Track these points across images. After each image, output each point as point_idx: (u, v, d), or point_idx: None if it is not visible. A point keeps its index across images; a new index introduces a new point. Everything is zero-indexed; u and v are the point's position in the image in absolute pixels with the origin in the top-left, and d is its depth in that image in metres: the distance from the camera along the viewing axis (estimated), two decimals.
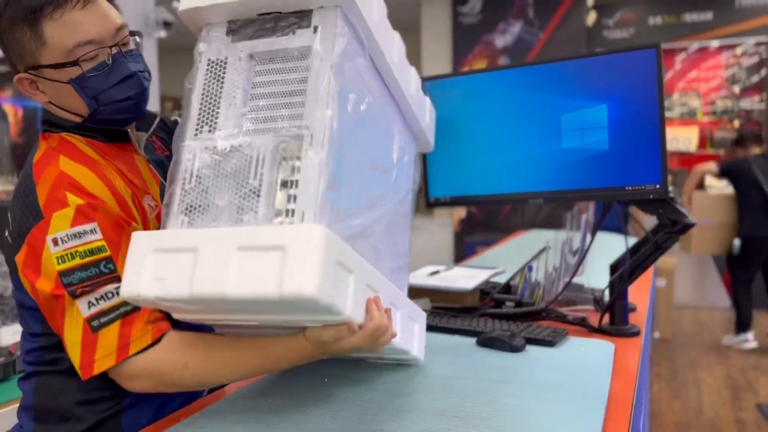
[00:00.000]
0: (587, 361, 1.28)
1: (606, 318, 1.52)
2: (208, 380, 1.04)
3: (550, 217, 5.63)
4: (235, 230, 0.83)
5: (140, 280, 0.85)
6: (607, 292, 1.68)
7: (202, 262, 0.82)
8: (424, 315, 1.25)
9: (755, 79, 5.81)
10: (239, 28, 0.96)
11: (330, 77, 0.89)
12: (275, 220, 0.84)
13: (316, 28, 0.92)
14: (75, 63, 1.02)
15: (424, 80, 1.50)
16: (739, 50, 5.83)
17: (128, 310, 0.97)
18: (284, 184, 0.86)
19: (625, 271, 1.48)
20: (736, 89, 5.88)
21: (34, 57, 1.03)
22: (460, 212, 6.22)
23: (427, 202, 1.60)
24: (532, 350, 1.35)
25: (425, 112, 1.34)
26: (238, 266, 0.80)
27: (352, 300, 0.88)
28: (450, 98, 1.51)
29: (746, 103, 5.85)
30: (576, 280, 1.69)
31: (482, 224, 6.16)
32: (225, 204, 0.87)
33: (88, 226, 0.98)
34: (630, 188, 1.38)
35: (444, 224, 6.31)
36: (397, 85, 1.14)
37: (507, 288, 1.75)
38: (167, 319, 1.01)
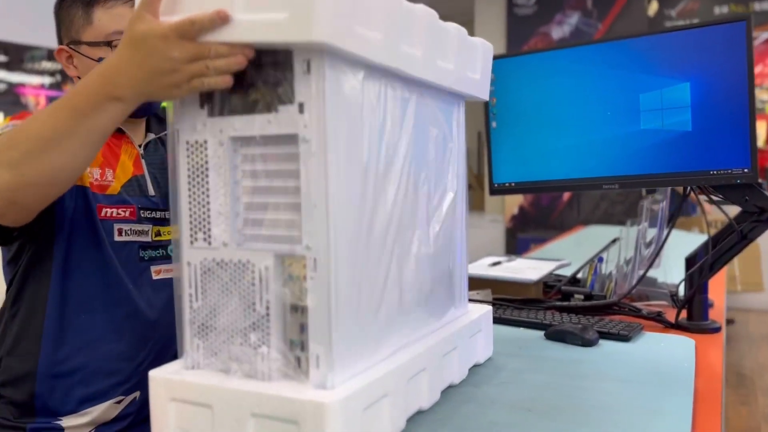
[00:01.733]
0: (667, 357, 1.19)
1: (683, 313, 1.42)
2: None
3: (607, 214, 5.46)
4: (249, 392, 0.76)
5: (166, 428, 0.82)
6: (683, 287, 1.58)
7: (219, 422, 0.78)
8: (488, 311, 1.18)
9: None
10: (216, 92, 0.81)
11: (328, 179, 0.74)
12: (290, 355, 0.78)
13: (301, 106, 0.74)
14: (108, 44, 1.15)
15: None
16: None
17: None
18: (294, 309, 0.78)
19: (706, 263, 1.38)
20: None
21: (78, 33, 1.17)
22: (512, 208, 6.09)
23: (491, 189, 1.53)
24: (605, 345, 1.27)
25: (477, 61, 1.09)
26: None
27: (390, 418, 0.83)
28: (517, 78, 1.43)
29: None
30: (649, 273, 1.59)
31: (535, 221, 6.02)
32: (236, 328, 0.81)
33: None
34: (714, 173, 1.28)
35: (495, 220, 6.20)
36: (431, 68, 0.94)
37: (574, 280, 1.66)
38: None
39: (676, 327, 1.40)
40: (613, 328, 1.31)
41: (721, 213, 1.35)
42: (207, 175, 0.81)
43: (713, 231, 1.43)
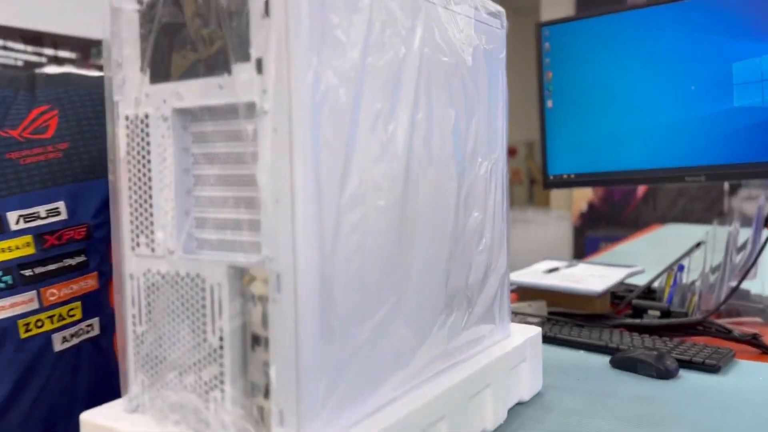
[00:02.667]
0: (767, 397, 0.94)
1: None
2: None
3: (686, 211, 5.04)
4: None
5: None
6: None
7: None
8: (536, 334, 0.94)
9: None
10: (157, 50, 0.62)
11: (294, 167, 0.54)
12: (250, 404, 0.58)
13: (260, 64, 0.55)
14: None
15: (543, 25, 1.20)
16: None
17: None
18: (256, 341, 0.58)
19: None
20: None
21: None
22: (581, 204, 5.73)
23: (544, 182, 1.29)
24: (687, 377, 1.02)
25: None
26: None
27: None
28: (577, 48, 1.19)
29: None
30: (742, 285, 1.32)
31: (606, 217, 5.65)
32: (185, 364, 0.61)
33: None
34: None
35: (561, 217, 5.85)
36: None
37: (648, 292, 1.40)
38: None
39: None
40: (696, 354, 1.06)
41: None
42: (149, 160, 0.62)
43: None
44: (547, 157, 1.25)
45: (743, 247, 1.38)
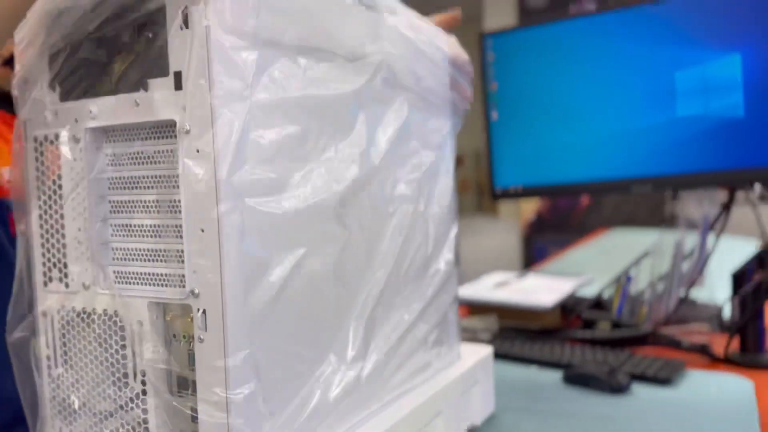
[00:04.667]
0: (720, 406, 0.93)
1: (733, 343, 1.16)
2: None
3: (631, 216, 5.15)
4: None
5: None
6: (728, 308, 1.31)
7: None
8: (487, 354, 0.91)
9: None
10: (68, 65, 0.56)
11: (220, 193, 0.48)
12: None
13: (178, 78, 0.49)
14: None
15: (486, 36, 1.18)
16: None
17: None
18: (182, 384, 0.53)
19: (764, 283, 1.11)
20: None
21: None
22: (529, 211, 5.80)
23: (492, 194, 1.27)
24: (639, 391, 1.01)
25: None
26: None
27: None
28: (520, 59, 1.18)
29: None
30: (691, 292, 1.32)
31: (554, 225, 5.73)
32: (106, 411, 0.55)
33: None
34: None
35: (510, 227, 5.91)
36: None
37: (598, 303, 1.39)
38: None
39: (727, 361, 1.13)
40: (648, 368, 1.05)
41: None
42: (60, 185, 0.57)
43: None
44: (493, 169, 1.22)
45: (690, 254, 1.39)
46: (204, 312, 0.50)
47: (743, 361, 1.13)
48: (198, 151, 0.49)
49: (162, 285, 0.53)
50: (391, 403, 0.70)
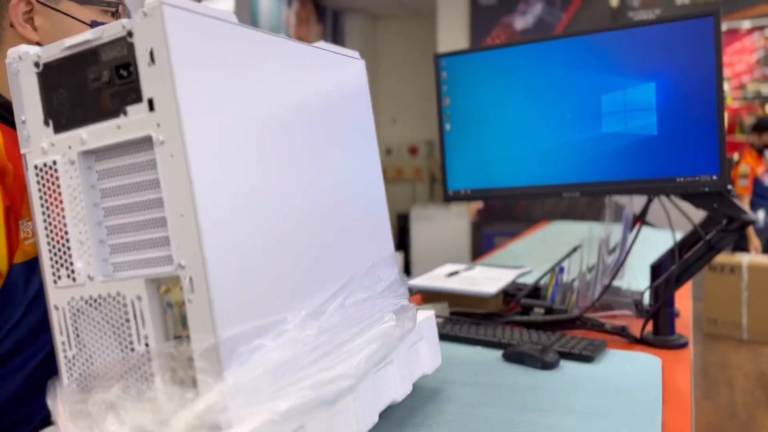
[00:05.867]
0: (632, 380, 1.10)
1: (649, 326, 1.34)
2: None
3: (570, 208, 5.42)
4: None
5: None
6: (647, 296, 1.50)
7: None
8: (430, 317, 1.06)
9: None
10: (58, 104, 0.70)
11: (192, 184, 0.63)
12: (180, 396, 0.65)
13: (151, 103, 0.64)
14: (116, 4, 0.94)
15: (440, 57, 1.32)
16: None
17: None
18: (179, 341, 0.67)
19: (673, 275, 1.29)
20: None
21: None
22: (478, 202, 6.01)
23: (445, 195, 1.42)
24: (566, 367, 1.17)
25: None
26: None
27: None
28: (471, 78, 1.32)
29: None
30: (613, 282, 1.50)
31: (501, 215, 5.96)
32: (117, 371, 0.69)
33: None
34: (681, 180, 1.19)
35: (460, 214, 6.12)
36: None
37: (535, 291, 1.57)
38: None
39: (642, 342, 1.32)
40: (574, 347, 1.22)
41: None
42: (61, 201, 0.70)
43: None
44: (447, 174, 1.38)
45: (614, 249, 1.57)
46: (190, 279, 0.64)
47: (655, 342, 1.31)
48: (172, 156, 0.63)
49: (154, 266, 0.67)
50: (354, 349, 0.81)
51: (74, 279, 0.71)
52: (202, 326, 0.64)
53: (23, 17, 0.92)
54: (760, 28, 5.58)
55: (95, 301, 0.69)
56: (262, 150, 0.74)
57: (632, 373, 1.14)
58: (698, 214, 1.29)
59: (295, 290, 0.76)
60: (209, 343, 0.63)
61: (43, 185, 0.71)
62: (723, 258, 4.44)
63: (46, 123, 0.71)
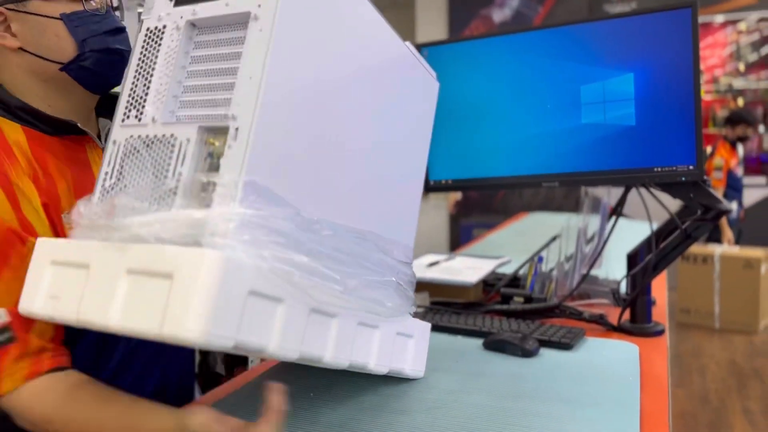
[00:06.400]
0: (610, 366, 1.12)
1: (626, 314, 1.36)
2: None
3: (548, 199, 5.46)
4: (129, 247, 0.69)
5: (36, 295, 0.76)
6: (624, 285, 1.52)
7: (92, 284, 0.71)
8: (426, 327, 1.07)
9: (759, 54, 5.63)
10: None
11: (269, 53, 0.71)
12: (188, 224, 0.68)
13: None
14: None
15: (421, 47, 1.32)
16: (743, 25, 5.64)
17: (7, 338, 0.81)
18: (203, 187, 0.71)
19: (650, 263, 1.31)
20: (741, 66, 5.70)
21: None
22: (456, 194, 6.04)
23: (426, 186, 1.42)
24: (546, 354, 1.19)
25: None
26: (126, 293, 0.69)
27: (281, 334, 0.71)
28: (451, 68, 1.33)
29: (751, 81, 5.67)
30: (591, 271, 1.52)
31: (479, 206, 5.99)
32: (146, 203, 0.73)
33: None
34: (659, 170, 1.21)
35: (438, 206, 6.14)
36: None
37: (514, 280, 1.58)
38: (60, 350, 0.86)
39: (619, 330, 1.34)
40: (554, 335, 1.24)
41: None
42: (156, 57, 0.80)
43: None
44: (428, 164, 1.38)
45: (592, 238, 1.59)
46: (237, 129, 0.70)
47: (632, 329, 1.33)
48: (261, 30, 0.72)
49: (210, 121, 0.73)
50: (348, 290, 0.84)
51: (139, 119, 0.79)
52: (233, 168, 0.69)
53: (1, 28, 0.92)
54: (733, 23, 5.67)
55: (150, 140, 0.77)
56: (338, 76, 0.82)
57: (611, 360, 1.16)
58: (674, 204, 1.31)
59: (320, 199, 0.80)
60: (235, 177, 0.68)
61: (149, 44, 0.81)
62: (696, 249, 4.52)
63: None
